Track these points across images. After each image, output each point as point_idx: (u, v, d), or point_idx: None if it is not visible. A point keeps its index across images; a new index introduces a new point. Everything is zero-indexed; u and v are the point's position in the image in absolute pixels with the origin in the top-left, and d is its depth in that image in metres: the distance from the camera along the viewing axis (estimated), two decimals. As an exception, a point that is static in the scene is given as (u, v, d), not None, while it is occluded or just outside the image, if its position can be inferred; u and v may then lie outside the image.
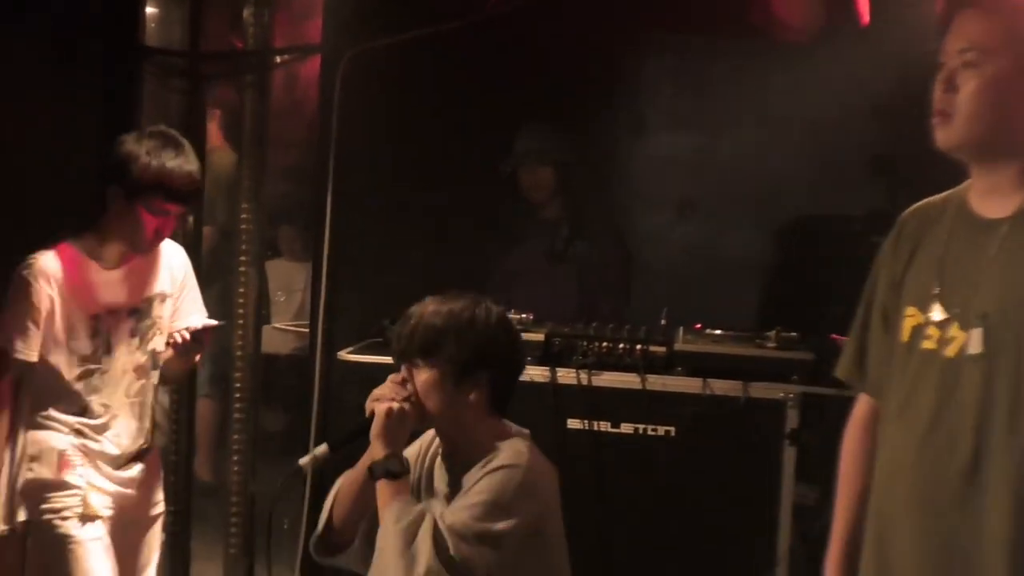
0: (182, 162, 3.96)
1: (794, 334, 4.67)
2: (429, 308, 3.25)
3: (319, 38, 5.43)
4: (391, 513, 3.05)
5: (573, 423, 4.39)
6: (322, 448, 3.17)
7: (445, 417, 3.18)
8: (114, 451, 4.11)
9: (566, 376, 4.42)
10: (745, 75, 5.64)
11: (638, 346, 4.49)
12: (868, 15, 4.63)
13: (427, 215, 5.38)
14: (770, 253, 5.95)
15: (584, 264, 5.42)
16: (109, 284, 4.05)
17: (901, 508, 2.51)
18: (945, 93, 2.40)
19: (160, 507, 4.37)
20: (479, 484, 3.05)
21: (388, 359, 4.67)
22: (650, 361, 4.48)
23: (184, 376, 4.56)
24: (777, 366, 4.49)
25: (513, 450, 3.11)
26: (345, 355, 4.82)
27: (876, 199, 5.64)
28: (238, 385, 5.57)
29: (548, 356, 4.51)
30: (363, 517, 3.24)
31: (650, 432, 4.42)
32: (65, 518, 4.00)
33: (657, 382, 4.43)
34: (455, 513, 3.03)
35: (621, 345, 4.50)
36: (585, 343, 4.46)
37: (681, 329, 4.74)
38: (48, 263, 3.95)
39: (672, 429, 4.41)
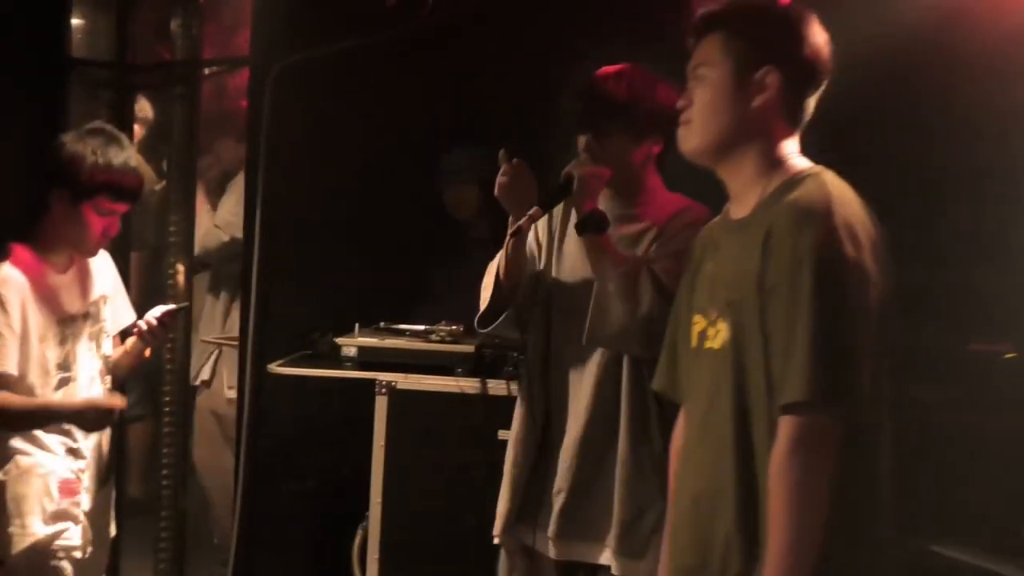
0: (127, 159, 3.91)
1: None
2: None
3: (248, 50, 5.40)
4: (609, 261, 3.43)
5: (503, 433, 4.38)
6: (535, 210, 3.45)
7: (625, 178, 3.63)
8: (94, 468, 4.04)
9: (497, 387, 4.42)
10: (681, 79, 5.66)
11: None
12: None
13: (358, 228, 5.37)
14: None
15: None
16: (63, 288, 3.96)
17: (685, 497, 2.78)
18: (684, 107, 2.71)
19: (114, 527, 4.32)
20: (677, 236, 3.45)
21: (319, 372, 4.71)
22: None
23: (126, 379, 4.43)
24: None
25: (697, 209, 3.52)
26: (275, 367, 4.79)
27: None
28: (167, 399, 5.54)
29: (479, 367, 4.51)
30: (523, 280, 3.69)
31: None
32: (62, 557, 3.93)
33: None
34: (662, 260, 3.42)
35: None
36: (516, 354, 4.46)
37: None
38: (10, 271, 3.83)
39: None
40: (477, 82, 5.30)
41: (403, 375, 4.50)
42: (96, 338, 4.04)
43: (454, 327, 4.72)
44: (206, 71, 5.67)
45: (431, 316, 4.92)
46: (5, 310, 3.77)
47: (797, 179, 2.60)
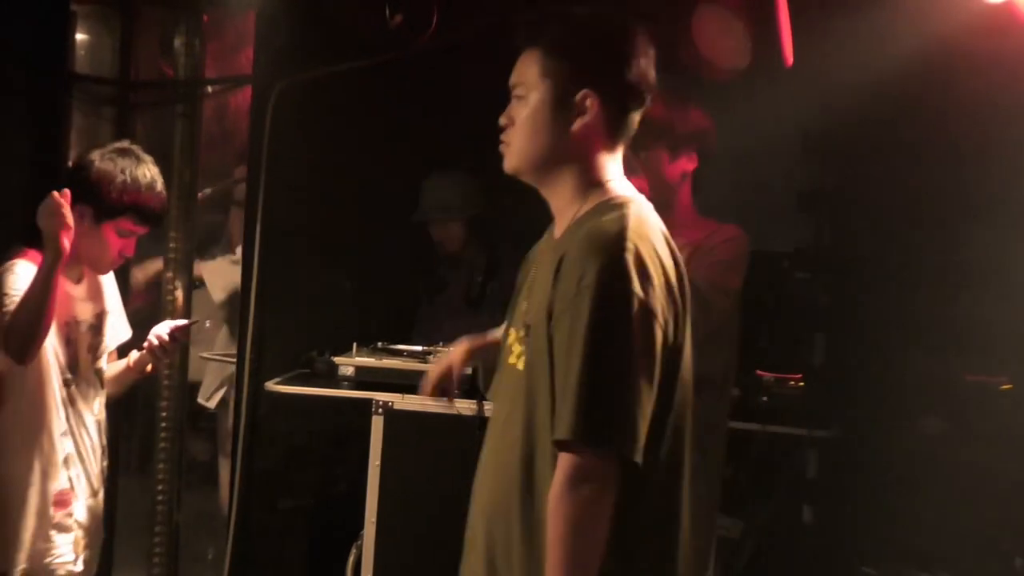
0: (153, 181, 3.90)
1: (719, 369, 4.70)
2: None
3: (250, 68, 5.42)
4: None
5: (499, 456, 4.41)
6: None
7: None
8: (90, 473, 4.01)
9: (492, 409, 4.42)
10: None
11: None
12: (792, 56, 4.69)
13: (357, 247, 5.39)
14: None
15: (499, 306, 5.42)
16: (74, 296, 3.94)
17: (478, 507, 2.74)
18: (505, 126, 2.66)
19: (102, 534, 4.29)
20: (717, 248, 3.72)
21: (316, 391, 4.72)
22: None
23: (123, 395, 4.40)
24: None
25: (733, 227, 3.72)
26: (272, 385, 4.81)
27: (802, 235, 5.71)
28: (164, 414, 5.55)
29: (474, 389, 4.51)
30: None
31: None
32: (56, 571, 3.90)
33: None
34: (702, 270, 3.58)
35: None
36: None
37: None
38: (27, 267, 3.78)
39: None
40: (477, 100, 5.32)
41: (400, 395, 4.51)
42: (94, 351, 4.05)
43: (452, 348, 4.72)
44: (208, 89, 5.69)
45: (429, 337, 4.94)
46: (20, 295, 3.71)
47: (606, 206, 2.55)
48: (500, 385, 2.78)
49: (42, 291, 3.63)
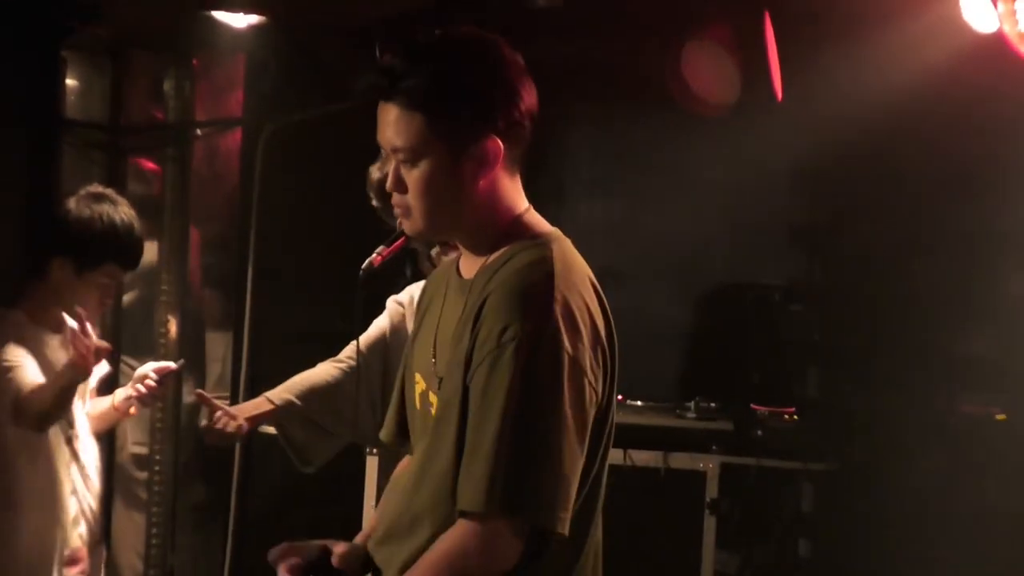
0: (132, 227, 3.83)
1: (713, 404, 4.72)
2: None
3: (240, 111, 5.43)
4: None
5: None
6: None
7: None
8: (93, 525, 3.95)
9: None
10: (665, 144, 5.72)
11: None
12: (781, 91, 4.72)
13: (347, 287, 5.38)
14: (689, 322, 6.00)
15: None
16: (58, 349, 3.84)
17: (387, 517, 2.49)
18: (399, 193, 2.36)
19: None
20: None
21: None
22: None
23: (103, 433, 4.33)
24: (697, 436, 4.53)
25: None
26: (266, 427, 4.79)
27: (794, 268, 5.72)
28: (157, 458, 5.52)
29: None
30: None
31: (571, 503, 4.42)
32: None
33: (578, 453, 4.42)
34: None
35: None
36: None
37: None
38: (18, 327, 3.75)
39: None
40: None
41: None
42: (83, 396, 3.99)
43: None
44: (198, 132, 5.70)
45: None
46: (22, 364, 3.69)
47: (526, 247, 2.32)
48: (413, 428, 2.53)
49: (65, 392, 3.65)
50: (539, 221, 2.43)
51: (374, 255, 3.15)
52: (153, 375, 3.93)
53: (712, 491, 4.44)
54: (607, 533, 4.39)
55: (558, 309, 2.19)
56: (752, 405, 5.07)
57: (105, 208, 3.82)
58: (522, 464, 2.16)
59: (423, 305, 2.58)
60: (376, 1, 4.99)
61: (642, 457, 4.45)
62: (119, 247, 3.81)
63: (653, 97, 5.38)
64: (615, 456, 4.43)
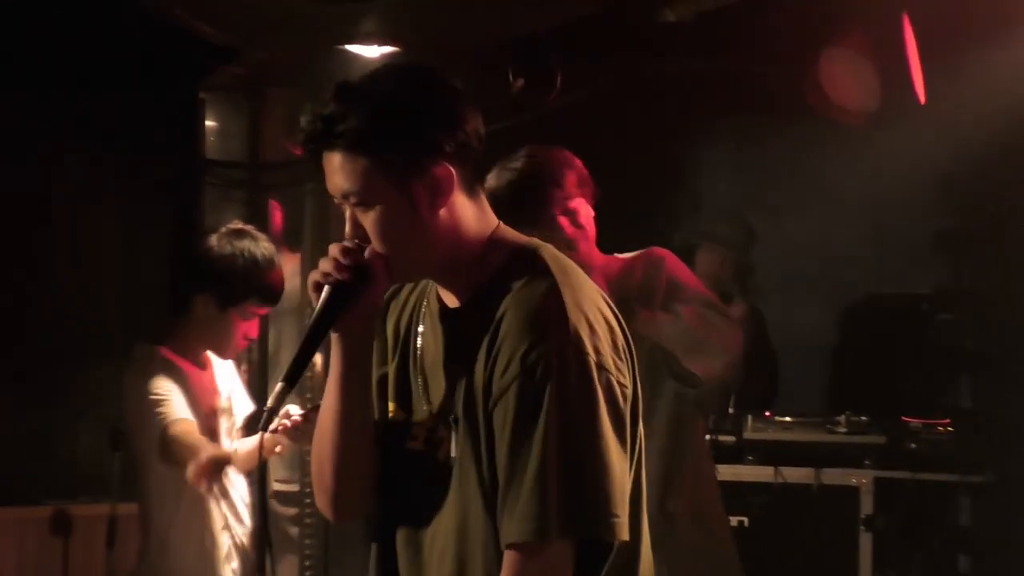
0: (272, 263, 3.84)
1: (864, 417, 4.64)
2: None
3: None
4: None
5: (642, 515, 4.36)
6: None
7: None
8: (246, 561, 3.92)
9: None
10: (804, 156, 5.66)
11: (707, 436, 4.46)
12: (924, 94, 4.63)
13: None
14: (836, 334, 5.92)
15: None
16: (205, 385, 3.89)
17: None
18: (354, 235, 2.20)
19: None
20: None
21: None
22: (720, 450, 4.44)
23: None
24: (849, 451, 4.45)
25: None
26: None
27: (941, 275, 5.61)
28: (308, 490, 5.57)
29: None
30: None
31: (723, 523, 4.38)
32: None
33: (728, 471, 4.38)
34: None
35: (689, 435, 4.48)
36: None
37: (750, 417, 4.70)
38: (164, 364, 3.78)
39: (744, 519, 4.37)
40: (608, 150, 5.33)
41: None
42: (229, 434, 4.03)
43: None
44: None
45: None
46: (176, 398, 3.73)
47: (516, 263, 2.21)
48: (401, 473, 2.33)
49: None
50: (515, 235, 2.29)
51: None
52: (298, 412, 3.93)
53: (867, 507, 4.36)
54: (762, 551, 4.35)
55: (572, 317, 2.12)
56: (904, 417, 4.96)
57: (246, 244, 3.83)
58: (571, 483, 2.08)
59: (391, 338, 2.38)
60: (504, 25, 5.00)
61: (793, 474, 4.38)
62: (260, 283, 3.83)
63: (790, 108, 5.33)
64: (766, 474, 4.40)
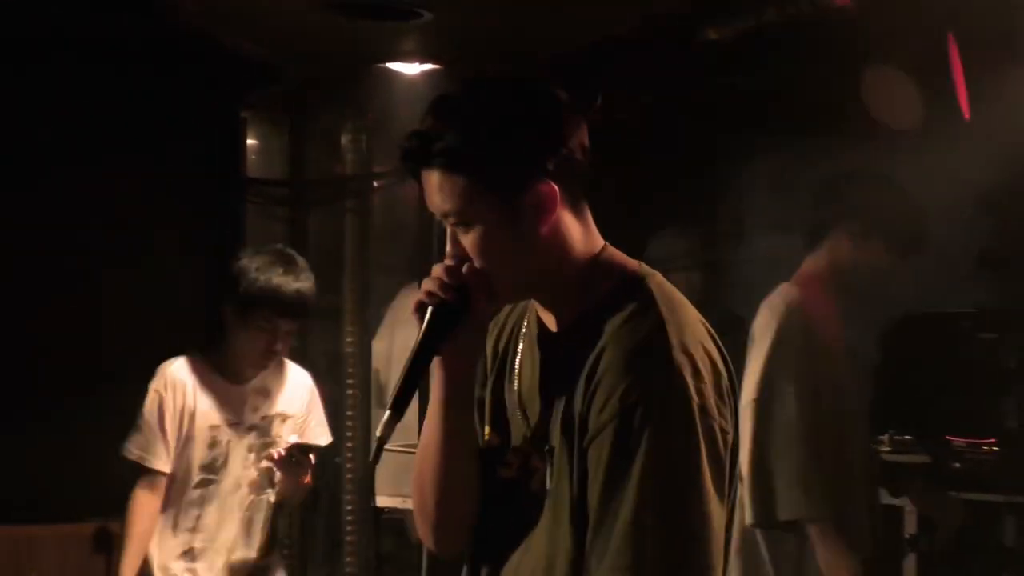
0: (291, 278, 3.96)
1: (907, 437, 4.60)
2: None
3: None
4: None
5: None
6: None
7: None
8: (217, 565, 4.11)
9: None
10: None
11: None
12: (968, 109, 4.61)
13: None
14: (877, 353, 5.88)
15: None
16: (232, 398, 4.07)
17: None
18: (457, 256, 2.14)
19: None
20: None
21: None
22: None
23: (300, 497, 4.42)
24: (893, 470, 4.41)
25: None
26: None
27: (984, 295, 5.57)
28: (349, 508, 5.57)
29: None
30: None
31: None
32: None
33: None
34: None
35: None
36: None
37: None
38: (176, 371, 4.03)
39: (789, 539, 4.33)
40: (648, 167, 5.33)
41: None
42: (259, 451, 4.11)
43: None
44: (376, 183, 5.77)
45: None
46: (158, 409, 3.98)
47: (623, 291, 2.13)
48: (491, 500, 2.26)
49: None
50: (623, 258, 2.22)
51: None
52: (283, 449, 4.03)
53: (911, 527, 4.32)
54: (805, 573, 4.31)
55: (677, 357, 2.02)
56: (948, 437, 4.93)
57: (264, 259, 4.00)
58: (667, 534, 1.98)
59: (487, 355, 2.33)
60: (545, 43, 5.01)
61: (836, 493, 4.34)
62: (266, 294, 3.93)
63: (831, 126, 5.31)
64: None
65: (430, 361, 2.11)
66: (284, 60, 5.33)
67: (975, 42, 4.55)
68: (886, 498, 4.36)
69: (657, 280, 2.16)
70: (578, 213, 2.16)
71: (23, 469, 4.83)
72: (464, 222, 2.09)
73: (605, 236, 2.20)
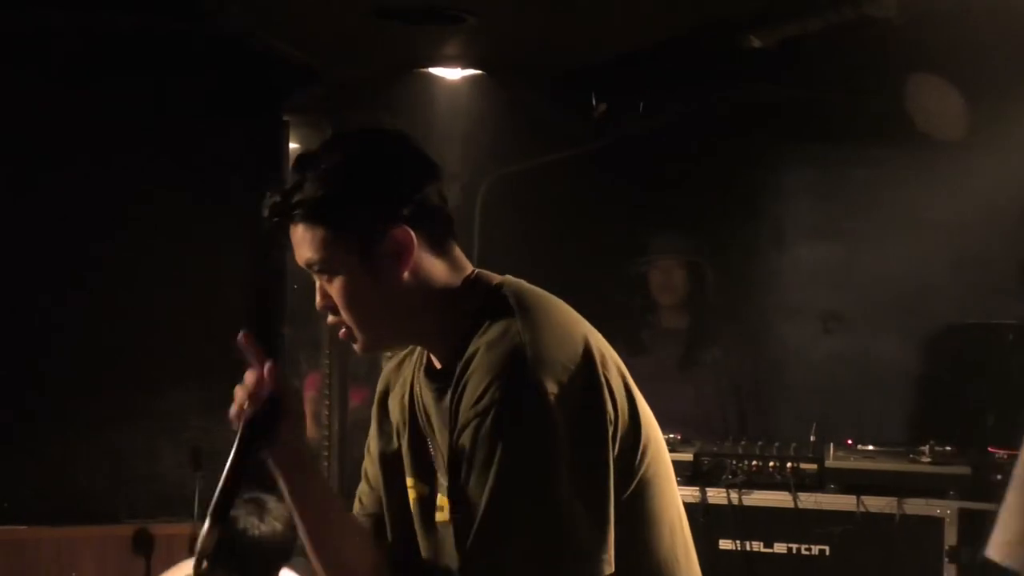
0: None
1: (949, 448, 4.57)
2: None
3: (457, 165, 5.50)
4: None
5: (725, 543, 4.32)
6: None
7: None
8: None
9: (716, 496, 4.35)
10: (887, 182, 5.60)
11: (788, 464, 4.42)
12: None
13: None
14: (919, 364, 5.85)
15: (718, 372, 5.34)
16: None
17: None
18: (331, 313, 2.21)
19: None
20: None
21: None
22: (801, 478, 4.40)
23: None
24: (933, 481, 4.38)
25: None
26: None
27: (1025, 306, 5.54)
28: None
29: (697, 475, 4.45)
30: None
31: (803, 551, 4.33)
32: None
33: (809, 500, 4.34)
34: None
35: (771, 463, 4.43)
36: (734, 462, 4.40)
37: (831, 445, 4.65)
38: None
39: (826, 548, 4.31)
40: (688, 177, 5.32)
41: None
42: None
43: (671, 436, 4.67)
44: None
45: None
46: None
47: (486, 307, 2.16)
48: (425, 548, 2.31)
49: None
50: (488, 278, 2.24)
51: None
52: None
53: (951, 538, 4.28)
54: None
55: (529, 353, 2.05)
56: (990, 448, 4.88)
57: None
58: (518, 525, 2.03)
59: (385, 404, 2.39)
60: (587, 50, 5.01)
61: (876, 503, 4.31)
62: None
63: (874, 135, 5.28)
64: (848, 503, 4.34)
65: (247, 469, 2.13)
66: (326, 64, 5.34)
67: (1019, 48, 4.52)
68: (925, 510, 4.34)
69: (513, 286, 2.21)
70: (442, 252, 2.20)
71: (64, 472, 4.86)
72: (328, 271, 2.15)
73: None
